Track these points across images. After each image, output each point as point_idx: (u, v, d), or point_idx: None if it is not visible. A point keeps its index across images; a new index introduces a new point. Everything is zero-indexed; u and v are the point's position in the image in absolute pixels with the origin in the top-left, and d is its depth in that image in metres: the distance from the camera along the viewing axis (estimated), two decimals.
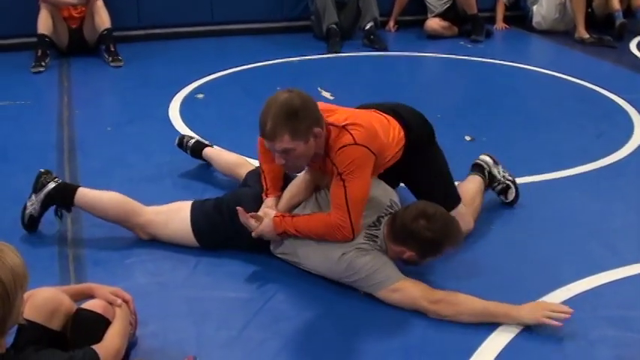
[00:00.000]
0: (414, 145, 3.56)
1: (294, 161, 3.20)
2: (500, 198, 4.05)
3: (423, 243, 3.15)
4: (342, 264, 3.21)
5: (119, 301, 2.50)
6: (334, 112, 3.36)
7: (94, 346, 2.26)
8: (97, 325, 2.39)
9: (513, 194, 4.02)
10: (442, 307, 3.06)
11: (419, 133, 3.61)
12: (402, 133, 3.54)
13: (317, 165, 3.38)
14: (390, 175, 3.61)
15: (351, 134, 3.20)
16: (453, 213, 3.49)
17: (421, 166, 3.64)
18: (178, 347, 2.87)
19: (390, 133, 3.48)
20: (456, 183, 3.89)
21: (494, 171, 4.00)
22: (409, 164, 3.59)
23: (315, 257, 3.31)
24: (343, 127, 3.23)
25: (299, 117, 3.07)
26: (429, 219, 3.13)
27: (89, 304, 2.46)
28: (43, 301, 2.39)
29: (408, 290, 3.12)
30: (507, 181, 4.02)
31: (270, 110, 3.10)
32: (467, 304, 3.05)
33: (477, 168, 4.00)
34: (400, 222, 3.19)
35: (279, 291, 3.32)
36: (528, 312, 2.99)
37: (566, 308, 2.99)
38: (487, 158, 4.04)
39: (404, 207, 3.33)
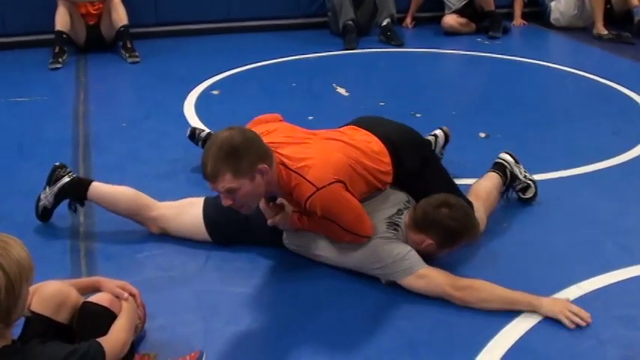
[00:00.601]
0: (406, 173, 3.48)
1: (243, 200, 3.05)
2: (517, 195, 4.02)
3: (443, 231, 3.21)
4: (364, 252, 3.22)
5: (126, 294, 2.51)
6: (279, 146, 3.21)
7: (100, 339, 2.27)
8: (103, 318, 2.39)
9: (532, 192, 3.99)
10: (467, 294, 3.09)
11: (411, 162, 3.49)
12: (388, 159, 3.42)
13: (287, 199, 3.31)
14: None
15: (306, 180, 3.08)
16: None
17: (422, 187, 3.50)
18: (186, 341, 2.88)
19: (367, 156, 3.36)
20: (473, 180, 3.87)
21: (516, 170, 3.97)
22: (407, 185, 3.53)
23: (336, 248, 3.32)
24: (295, 171, 3.11)
25: (240, 154, 2.94)
26: (451, 208, 3.21)
27: (95, 298, 2.47)
28: (50, 294, 2.41)
29: (434, 277, 3.15)
30: (528, 181, 3.99)
31: (209, 150, 2.97)
32: (491, 291, 3.10)
33: (498, 166, 3.97)
34: (422, 210, 3.24)
35: (289, 286, 3.32)
36: (549, 304, 3.04)
37: (586, 315, 3.00)
38: (508, 157, 4.01)
39: (425, 197, 3.33)
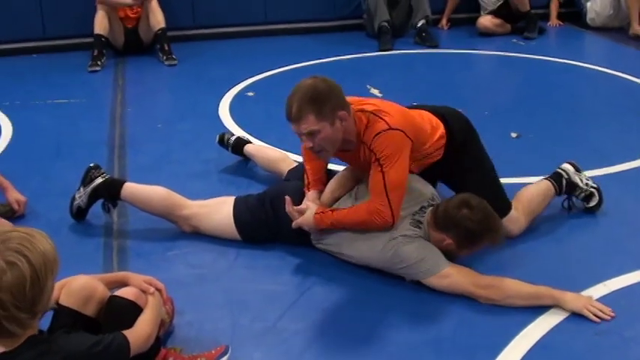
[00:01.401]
0: (456, 144, 3.60)
1: (322, 144, 3.25)
2: (582, 204, 3.97)
3: (463, 231, 3.21)
4: (387, 252, 3.26)
5: (152, 289, 2.57)
6: (363, 101, 3.44)
7: (125, 332, 2.34)
8: (129, 311, 2.46)
9: (596, 201, 3.94)
10: (491, 292, 3.13)
11: (461, 131, 3.65)
12: (442, 129, 3.59)
13: (352, 155, 3.42)
14: (433, 176, 3.68)
15: (384, 120, 3.29)
16: (504, 219, 3.54)
17: (468, 169, 3.65)
18: (213, 337, 2.93)
19: (427, 124, 3.54)
20: (503, 180, 3.87)
21: (576, 179, 3.93)
22: (454, 165, 3.63)
23: (359, 247, 3.36)
24: (372, 112, 3.32)
25: (323, 99, 3.17)
26: (472, 209, 3.21)
27: (122, 292, 2.54)
28: (78, 287, 2.48)
29: (458, 276, 3.18)
30: (592, 189, 3.95)
31: (295, 94, 3.21)
32: (515, 288, 3.14)
33: (554, 175, 3.95)
34: (443, 209, 3.27)
35: (316, 283, 3.37)
36: (572, 298, 3.08)
37: (608, 310, 3.03)
38: (568, 166, 3.98)
39: (449, 198, 3.38)
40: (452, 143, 3.62)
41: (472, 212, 3.20)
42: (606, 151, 4.76)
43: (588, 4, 8.27)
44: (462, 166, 3.66)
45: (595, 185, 3.96)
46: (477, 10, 8.24)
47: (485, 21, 8.07)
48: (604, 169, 4.43)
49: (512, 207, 3.68)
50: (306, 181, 3.63)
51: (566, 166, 3.99)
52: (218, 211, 3.73)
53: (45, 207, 4.09)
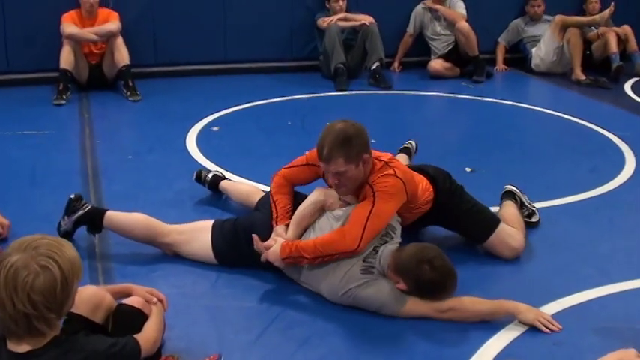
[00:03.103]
0: (441, 195, 3.96)
1: (346, 183, 3.58)
2: (525, 220, 4.36)
3: (419, 284, 3.39)
4: (348, 299, 3.49)
5: (155, 299, 2.80)
6: (380, 154, 3.76)
7: (135, 335, 2.55)
8: (136, 318, 2.68)
9: (537, 218, 4.43)
10: (452, 314, 3.41)
11: (444, 183, 4.02)
12: (430, 188, 3.94)
13: (355, 192, 3.69)
14: (422, 223, 4.09)
15: (393, 169, 3.63)
16: (499, 234, 3.97)
17: (453, 209, 4.03)
18: (202, 348, 3.14)
19: (420, 186, 3.88)
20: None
21: (523, 198, 4.44)
22: (442, 211, 4.00)
23: (324, 288, 3.57)
24: (387, 162, 3.66)
25: (352, 144, 3.49)
26: (434, 269, 3.36)
27: (129, 300, 2.76)
28: (88, 296, 2.69)
29: (419, 308, 3.42)
30: (533, 208, 4.45)
31: (327, 137, 3.52)
32: (472, 308, 3.41)
33: (509, 194, 4.45)
34: (406, 258, 3.41)
35: (294, 301, 3.60)
36: (525, 310, 3.39)
37: (556, 323, 3.36)
38: (513, 187, 4.49)
39: (414, 244, 3.56)
40: (437, 201, 3.97)
41: (433, 271, 3.36)
42: (555, 186, 5.11)
43: (533, 51, 8.72)
44: (448, 211, 4.03)
45: (534, 205, 4.46)
46: (427, 54, 8.60)
47: (436, 64, 8.44)
48: (555, 201, 4.79)
49: (510, 228, 4.07)
50: (274, 215, 3.83)
51: (511, 187, 4.48)
52: (196, 239, 3.93)
53: (27, 231, 4.04)
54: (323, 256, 3.50)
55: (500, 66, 8.88)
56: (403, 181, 3.62)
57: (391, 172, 3.61)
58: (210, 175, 4.80)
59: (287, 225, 3.78)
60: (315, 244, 3.53)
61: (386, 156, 3.76)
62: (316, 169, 3.80)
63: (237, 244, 3.84)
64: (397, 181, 3.60)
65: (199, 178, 4.82)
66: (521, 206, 4.41)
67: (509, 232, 4.03)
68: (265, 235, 3.73)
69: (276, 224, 3.79)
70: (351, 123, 3.60)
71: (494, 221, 4.04)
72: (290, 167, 3.96)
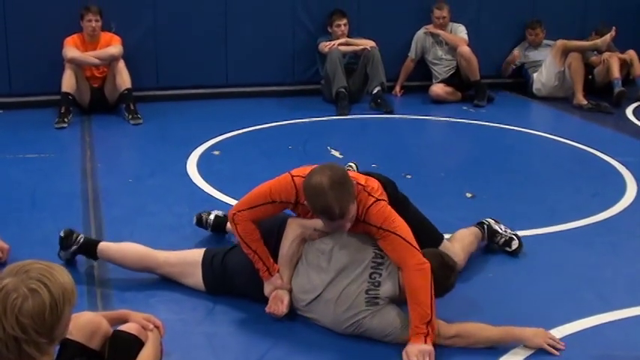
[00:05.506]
0: (390, 201, 3.78)
1: (352, 219, 3.46)
2: (502, 248, 4.36)
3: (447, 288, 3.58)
4: (353, 330, 3.47)
5: (151, 325, 2.78)
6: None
7: None
8: (133, 344, 2.67)
9: (517, 244, 4.37)
10: (457, 341, 3.41)
11: (392, 190, 3.93)
12: (385, 194, 3.77)
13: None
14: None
15: (367, 192, 3.55)
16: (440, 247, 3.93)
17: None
18: None
19: (379, 191, 3.75)
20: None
21: (496, 227, 4.40)
22: None
23: (327, 320, 3.54)
24: (364, 187, 3.57)
25: (347, 184, 3.41)
26: (453, 271, 3.58)
27: (125, 327, 2.74)
28: (84, 322, 2.68)
29: None
30: (511, 235, 4.39)
31: (327, 195, 3.33)
32: (478, 335, 3.41)
33: (478, 223, 4.43)
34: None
35: (291, 329, 3.58)
36: (531, 335, 3.40)
37: (561, 344, 3.39)
38: (489, 219, 4.46)
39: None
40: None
41: (454, 276, 3.57)
42: (557, 211, 5.09)
43: (534, 75, 8.74)
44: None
45: (513, 232, 4.41)
46: (429, 78, 8.63)
47: (437, 89, 8.45)
48: (556, 226, 4.77)
49: (449, 243, 4.08)
50: (261, 266, 3.66)
51: (487, 219, 4.46)
52: (189, 274, 3.89)
53: (26, 255, 4.06)
54: (432, 296, 3.38)
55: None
56: (381, 198, 3.56)
57: (368, 198, 3.53)
58: (212, 218, 4.56)
59: (278, 271, 3.68)
60: (421, 304, 3.35)
61: (354, 176, 3.65)
62: (284, 205, 3.65)
63: (227, 283, 3.82)
64: (379, 204, 3.52)
65: (200, 222, 4.59)
66: (493, 234, 4.38)
67: (451, 249, 3.99)
68: (253, 274, 3.68)
69: (270, 275, 3.67)
70: (327, 168, 3.44)
71: (436, 236, 4.03)
72: (252, 208, 3.66)
